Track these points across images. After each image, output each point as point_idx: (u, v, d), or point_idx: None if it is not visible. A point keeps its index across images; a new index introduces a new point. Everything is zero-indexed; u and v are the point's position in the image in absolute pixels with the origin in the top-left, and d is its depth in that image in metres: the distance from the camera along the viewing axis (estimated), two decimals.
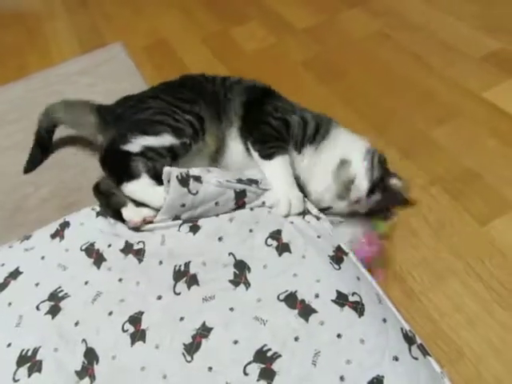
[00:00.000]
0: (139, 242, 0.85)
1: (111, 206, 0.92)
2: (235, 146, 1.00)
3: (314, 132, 0.96)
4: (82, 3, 2.08)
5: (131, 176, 0.90)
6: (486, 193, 0.97)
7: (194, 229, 0.83)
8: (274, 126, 0.96)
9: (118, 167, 0.92)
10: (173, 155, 0.94)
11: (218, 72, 1.23)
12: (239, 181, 0.87)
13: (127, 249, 0.84)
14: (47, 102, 1.47)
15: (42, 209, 1.12)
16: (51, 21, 1.98)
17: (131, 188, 0.89)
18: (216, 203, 0.85)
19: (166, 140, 0.94)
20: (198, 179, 0.85)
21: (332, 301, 0.70)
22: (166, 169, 0.85)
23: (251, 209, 0.87)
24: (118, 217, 0.90)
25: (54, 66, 1.65)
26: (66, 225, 0.91)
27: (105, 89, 1.48)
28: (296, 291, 0.72)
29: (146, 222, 0.87)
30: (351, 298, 0.71)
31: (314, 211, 0.88)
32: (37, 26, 1.96)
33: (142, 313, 0.74)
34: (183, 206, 0.85)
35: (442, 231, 0.92)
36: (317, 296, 0.71)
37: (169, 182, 0.84)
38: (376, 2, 1.66)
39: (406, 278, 0.85)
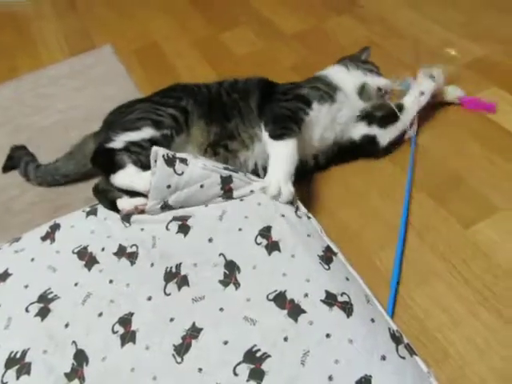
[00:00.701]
0: (132, 245, 0.85)
1: (108, 200, 0.96)
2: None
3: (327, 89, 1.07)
4: (72, 6, 2.08)
5: (117, 167, 0.94)
6: (470, 196, 1.00)
7: (185, 230, 0.84)
8: (288, 106, 1.00)
9: (105, 163, 0.97)
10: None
11: (208, 75, 1.25)
12: (226, 168, 0.90)
13: (121, 252, 0.84)
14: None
15: (29, 212, 1.11)
16: (41, 23, 1.98)
17: (119, 178, 0.94)
18: (201, 186, 0.87)
19: (146, 133, 0.98)
20: (183, 161, 0.88)
21: (321, 301, 0.72)
22: (154, 148, 0.88)
23: (241, 199, 0.87)
24: (115, 209, 0.94)
25: (43, 69, 1.65)
26: (56, 227, 0.92)
27: (94, 92, 1.49)
28: (285, 291, 0.73)
29: (137, 210, 0.91)
30: (340, 298, 0.72)
31: (303, 209, 0.89)
32: (26, 29, 1.95)
33: (132, 314, 0.74)
34: (169, 187, 0.87)
35: (426, 234, 0.94)
36: (306, 296, 0.72)
37: (155, 162, 0.87)
38: (364, 10, 1.70)
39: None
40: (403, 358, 0.69)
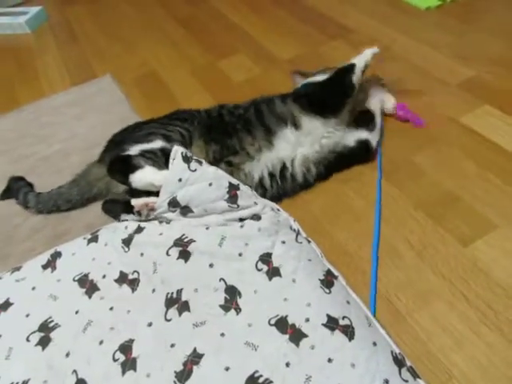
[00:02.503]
0: (134, 271, 0.85)
1: (121, 203, 1.03)
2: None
3: None
4: (73, 38, 2.13)
5: (135, 168, 1.00)
6: (467, 215, 1.01)
7: (185, 255, 0.85)
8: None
9: (122, 167, 1.02)
10: (166, 157, 1.02)
11: (206, 102, 1.28)
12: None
13: (122, 278, 0.85)
14: (37, 134, 1.51)
15: (31, 239, 1.12)
16: (42, 54, 2.03)
17: (137, 176, 0.99)
18: (210, 184, 0.92)
19: (157, 144, 1.06)
20: (199, 161, 0.96)
21: (323, 325, 0.72)
22: (175, 147, 0.97)
23: (241, 226, 0.88)
24: (128, 209, 0.99)
25: (45, 99, 1.68)
26: (57, 255, 0.92)
27: (95, 120, 1.52)
28: (287, 316, 0.73)
29: (148, 206, 0.96)
30: (341, 322, 0.72)
31: (304, 234, 0.90)
32: (28, 60, 2.00)
33: (132, 340, 0.74)
34: (180, 180, 0.93)
35: (425, 253, 0.94)
36: (307, 320, 0.72)
37: (174, 160, 0.95)
38: (356, 35, 1.74)
39: (393, 300, 0.87)
40: (406, 381, 0.69)
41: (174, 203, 0.94)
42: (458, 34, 1.65)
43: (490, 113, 1.28)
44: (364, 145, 1.15)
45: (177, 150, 0.96)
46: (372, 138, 1.16)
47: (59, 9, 2.47)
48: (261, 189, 1.05)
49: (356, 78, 1.15)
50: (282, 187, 1.07)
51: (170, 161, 0.96)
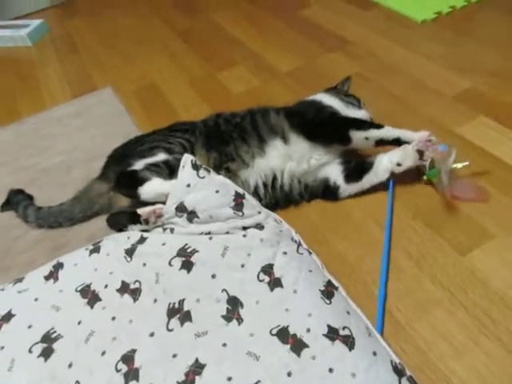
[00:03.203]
0: (136, 281, 0.86)
1: (127, 214, 1.03)
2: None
3: None
4: (74, 51, 2.16)
5: (143, 180, 1.03)
6: (465, 224, 1.02)
7: (188, 266, 0.85)
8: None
9: (130, 181, 1.05)
10: (169, 168, 1.07)
11: (206, 113, 1.29)
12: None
13: (123, 288, 0.86)
14: (38, 145, 1.52)
15: (32, 251, 1.13)
16: (43, 67, 2.05)
17: (146, 189, 1.01)
18: (217, 191, 0.95)
19: (160, 157, 1.09)
20: (207, 170, 1.00)
21: (323, 335, 0.72)
22: (185, 155, 1.01)
23: (244, 236, 0.90)
24: (135, 219, 1.00)
25: (46, 111, 1.70)
26: (59, 266, 0.93)
27: (96, 131, 1.54)
28: (288, 326, 0.74)
29: (155, 213, 0.98)
30: (342, 332, 0.73)
31: (305, 245, 0.92)
32: (29, 72, 2.02)
33: (134, 351, 0.74)
34: (188, 186, 0.96)
35: (423, 263, 0.96)
36: (308, 330, 0.73)
37: (183, 167, 0.99)
38: (354, 46, 1.77)
39: (392, 310, 0.88)
40: None
41: (181, 208, 0.96)
42: (454, 45, 1.68)
43: (486, 124, 1.30)
44: (332, 188, 1.12)
45: (187, 158, 1.00)
46: (344, 188, 1.11)
47: (60, 22, 2.50)
48: (256, 198, 1.07)
49: (363, 135, 1.08)
50: (273, 197, 1.10)
51: (180, 168, 1.00)
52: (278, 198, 1.10)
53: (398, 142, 1.07)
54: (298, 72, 1.68)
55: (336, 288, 0.81)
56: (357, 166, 1.10)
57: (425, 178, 1.08)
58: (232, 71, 1.76)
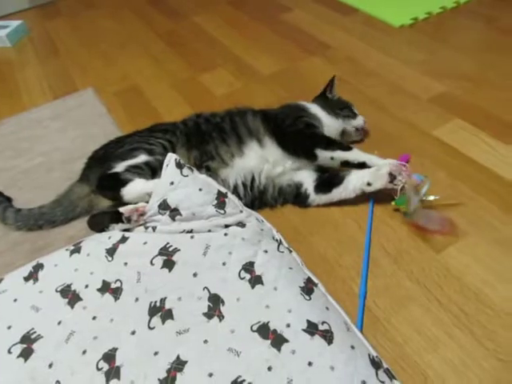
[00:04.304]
0: (116, 280, 0.86)
1: (109, 214, 1.02)
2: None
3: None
4: (54, 52, 2.14)
5: (125, 182, 1.03)
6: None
7: (169, 265, 0.86)
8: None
9: (112, 183, 1.05)
10: (151, 169, 1.08)
11: (188, 115, 1.30)
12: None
13: (104, 288, 0.86)
14: (17, 147, 1.50)
15: (12, 252, 1.11)
16: (24, 68, 2.02)
17: (129, 189, 1.01)
18: (200, 189, 0.97)
19: (142, 159, 1.09)
20: (191, 169, 1.01)
21: (303, 330, 0.74)
22: (169, 154, 1.02)
23: (225, 234, 0.91)
24: (117, 218, 0.99)
25: (25, 112, 1.68)
26: (39, 267, 0.92)
27: (76, 133, 1.53)
28: (268, 322, 0.75)
29: (138, 211, 0.98)
30: (321, 327, 0.75)
31: (285, 244, 0.93)
32: (8, 74, 1.99)
33: (115, 349, 0.75)
34: (172, 183, 0.97)
35: (401, 260, 0.98)
36: (288, 326, 0.74)
37: (167, 166, 1.00)
38: (333, 51, 1.81)
39: (370, 306, 0.90)
40: (383, 382, 0.71)
41: (164, 205, 0.96)
42: (430, 51, 1.73)
43: (461, 126, 1.35)
44: (302, 194, 1.12)
45: (171, 157, 1.01)
46: (313, 198, 1.11)
47: (40, 23, 2.47)
48: (237, 197, 1.08)
49: (329, 155, 1.09)
50: (252, 198, 1.12)
51: (164, 166, 1.01)
52: (257, 199, 1.12)
53: (363, 167, 1.09)
54: (280, 75, 1.71)
55: (315, 284, 0.83)
56: (329, 178, 1.11)
57: (393, 203, 1.06)
58: (214, 74, 1.77)
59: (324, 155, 1.10)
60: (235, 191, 1.10)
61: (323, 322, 0.75)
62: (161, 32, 2.17)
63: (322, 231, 1.08)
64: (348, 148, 1.10)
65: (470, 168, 1.19)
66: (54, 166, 1.39)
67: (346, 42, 1.86)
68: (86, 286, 0.86)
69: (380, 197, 1.10)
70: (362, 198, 1.10)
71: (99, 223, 1.01)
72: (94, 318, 0.80)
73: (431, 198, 1.04)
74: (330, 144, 1.11)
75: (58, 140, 1.52)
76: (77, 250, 0.94)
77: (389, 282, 0.95)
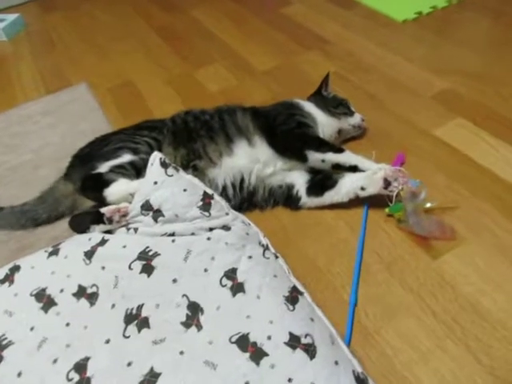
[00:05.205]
0: (93, 285, 0.82)
1: (90, 214, 0.98)
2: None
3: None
4: (50, 46, 2.10)
5: (108, 182, 0.99)
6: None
7: (149, 270, 0.82)
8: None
9: (95, 184, 1.01)
10: (135, 169, 1.04)
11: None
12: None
13: (80, 293, 0.82)
14: (7, 143, 1.47)
15: None
16: (18, 62, 1.99)
17: (112, 190, 0.98)
18: (184, 189, 0.92)
19: (126, 158, 1.05)
20: (176, 168, 0.97)
21: (284, 343, 0.70)
22: (154, 153, 0.98)
23: (208, 238, 0.86)
24: (99, 219, 0.95)
25: (17, 107, 1.65)
26: (15, 269, 0.89)
27: (67, 129, 1.49)
28: (248, 333, 0.71)
29: (120, 212, 0.93)
30: (303, 340, 0.70)
31: (272, 249, 0.89)
32: (1, 68, 1.96)
33: (88, 358, 0.71)
34: (155, 183, 0.93)
35: (394, 266, 0.94)
36: (269, 338, 0.70)
37: (152, 165, 0.96)
38: (332, 46, 1.75)
39: (360, 316, 0.85)
40: None
41: (146, 206, 0.93)
42: (433, 46, 1.67)
43: (462, 125, 1.29)
44: (294, 197, 1.08)
45: (156, 156, 0.97)
46: (305, 200, 1.07)
47: (37, 16, 2.44)
48: (225, 198, 1.04)
49: (320, 157, 1.05)
50: (241, 199, 1.07)
51: (149, 165, 0.97)
52: (246, 200, 1.08)
53: (355, 170, 1.04)
54: (276, 71, 1.66)
55: (301, 293, 0.79)
56: (322, 180, 1.07)
57: (387, 210, 1.01)
58: (209, 69, 1.73)
59: (314, 157, 1.06)
60: (224, 192, 1.06)
61: (306, 335, 0.71)
62: (157, 26, 2.13)
63: (313, 234, 1.04)
64: (340, 150, 1.06)
65: (470, 169, 1.14)
66: (43, 162, 1.36)
67: (345, 36, 1.80)
68: (62, 291, 0.82)
69: (375, 200, 1.04)
70: (357, 200, 1.05)
71: (80, 224, 0.98)
72: (68, 324, 0.77)
73: (428, 204, 0.99)
74: (321, 145, 1.06)
75: (47, 136, 1.48)
76: (55, 251, 0.90)
77: (381, 290, 0.90)
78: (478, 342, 0.79)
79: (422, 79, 1.49)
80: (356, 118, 1.23)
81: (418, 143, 1.24)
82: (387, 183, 0.97)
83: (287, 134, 1.09)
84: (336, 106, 1.23)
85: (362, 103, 1.38)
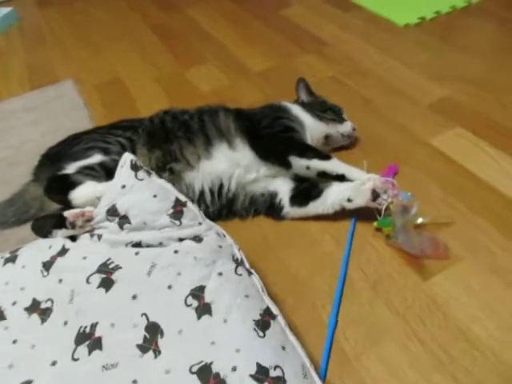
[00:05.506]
0: (48, 300, 0.75)
1: (53, 218, 0.91)
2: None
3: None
4: (42, 40, 2.05)
5: (75, 184, 0.93)
6: None
7: (107, 284, 0.74)
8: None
9: (61, 186, 0.94)
10: (106, 171, 0.96)
11: None
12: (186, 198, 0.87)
13: (33, 307, 0.74)
14: None
15: None
16: (6, 57, 1.94)
17: (78, 193, 0.91)
18: (154, 195, 0.84)
19: (95, 158, 0.99)
20: (148, 172, 0.88)
21: (250, 376, 0.61)
22: (125, 154, 0.89)
23: (176, 252, 0.79)
24: (61, 224, 0.87)
25: (1, 101, 1.59)
26: None
27: (48, 126, 1.44)
28: (212, 363, 0.63)
29: (84, 216, 0.86)
30: (272, 373, 0.62)
31: (246, 264, 0.81)
32: None
33: (30, 382, 0.64)
34: (123, 187, 0.85)
35: (380, 285, 0.86)
36: (234, 369, 0.62)
37: (122, 167, 0.88)
38: (330, 48, 1.68)
39: (339, 339, 0.78)
40: None
41: (112, 211, 0.85)
42: (435, 52, 1.60)
43: (461, 135, 1.22)
44: (276, 206, 1.01)
45: (127, 157, 0.89)
46: (287, 210, 1.00)
47: (33, 10, 2.39)
48: (203, 204, 0.99)
49: (304, 164, 0.98)
50: (220, 206, 1.01)
51: (118, 168, 0.89)
52: (225, 207, 1.01)
53: (342, 179, 0.97)
54: (270, 73, 1.59)
55: (274, 317, 0.71)
56: (307, 189, 1.00)
57: (375, 224, 0.93)
58: (201, 69, 1.66)
59: (299, 163, 0.99)
60: (201, 198, 0.99)
61: (276, 367, 0.63)
62: (153, 24, 2.07)
63: (295, 246, 0.96)
64: (326, 157, 0.99)
65: (468, 182, 1.07)
66: (21, 160, 1.29)
67: (344, 39, 1.73)
68: (14, 303, 0.75)
69: (363, 213, 0.97)
70: (344, 212, 0.98)
71: (43, 228, 0.91)
72: (15, 341, 0.70)
73: (420, 220, 0.92)
74: (306, 151, 0.99)
75: (29, 132, 1.43)
76: (12, 258, 0.83)
77: (364, 310, 0.83)
78: (469, 376, 0.71)
79: (420, 86, 1.42)
80: (346, 127, 1.15)
81: (412, 152, 1.16)
82: (375, 195, 0.89)
83: (271, 137, 1.02)
84: (324, 111, 1.16)
85: (357, 108, 1.32)
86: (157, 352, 0.65)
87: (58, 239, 0.86)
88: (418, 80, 1.45)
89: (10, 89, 1.69)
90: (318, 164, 0.97)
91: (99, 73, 1.72)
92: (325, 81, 1.49)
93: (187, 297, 0.71)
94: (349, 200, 0.92)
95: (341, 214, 0.98)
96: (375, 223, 0.93)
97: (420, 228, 0.93)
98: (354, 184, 0.93)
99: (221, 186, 1.00)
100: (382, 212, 0.90)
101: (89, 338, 0.68)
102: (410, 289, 0.85)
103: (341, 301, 0.84)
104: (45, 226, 0.90)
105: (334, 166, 0.97)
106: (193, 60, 1.72)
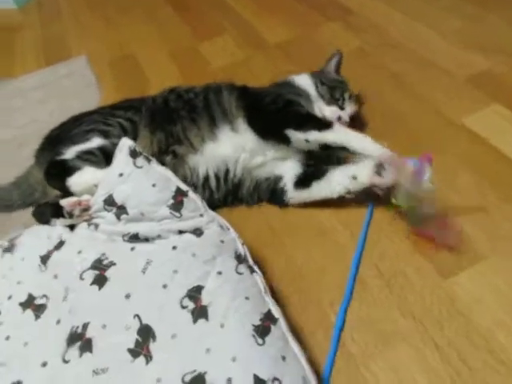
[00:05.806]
0: (43, 296, 0.73)
1: (51, 206, 0.90)
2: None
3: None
4: (58, 15, 2.01)
5: (73, 170, 0.89)
6: None
7: (101, 281, 0.71)
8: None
9: (59, 172, 0.91)
10: (105, 155, 0.92)
11: None
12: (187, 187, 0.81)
13: (28, 303, 0.72)
14: None
15: None
16: (23, 32, 1.92)
17: (76, 180, 0.88)
18: (153, 185, 0.79)
19: (95, 143, 0.95)
20: (147, 158, 0.83)
21: None
22: (123, 139, 0.85)
23: (174, 248, 0.75)
24: (59, 213, 0.87)
25: (14, 80, 1.57)
26: None
27: (56, 105, 1.42)
28: (205, 372, 0.58)
29: (81, 205, 0.84)
30: None
31: (250, 261, 0.76)
32: (6, 37, 1.89)
33: (19, 383, 0.62)
34: (121, 175, 0.81)
35: (395, 283, 0.79)
36: (229, 381, 0.57)
37: (120, 153, 0.84)
38: (356, 17, 1.55)
39: (346, 341, 0.72)
40: None
41: (109, 201, 0.81)
42: (475, 19, 1.43)
43: (499, 113, 1.09)
44: (279, 190, 0.95)
45: (124, 143, 0.84)
46: (292, 194, 0.94)
47: None
48: (207, 190, 0.94)
49: (302, 137, 0.90)
50: (225, 192, 0.96)
51: (116, 152, 0.85)
52: (230, 193, 0.96)
53: (348, 151, 0.87)
54: (289, 44, 1.49)
55: (275, 321, 0.65)
56: (312, 172, 0.92)
57: (394, 201, 0.82)
58: (217, 42, 1.58)
59: (296, 137, 0.90)
60: (206, 183, 0.95)
61: (274, 379, 0.58)
62: None
63: (303, 237, 0.91)
64: (327, 126, 0.88)
65: (502, 168, 0.96)
66: (28, 140, 1.26)
67: (371, 7, 1.59)
68: (9, 298, 0.73)
69: (381, 201, 0.89)
70: (360, 200, 0.90)
71: (43, 215, 0.89)
72: (8, 337, 0.68)
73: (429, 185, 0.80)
74: (304, 123, 0.89)
75: (37, 112, 1.41)
76: (10, 248, 0.81)
77: (375, 311, 0.76)
78: None
79: (457, 58, 1.28)
80: (327, 111, 1.01)
81: (441, 132, 1.06)
82: (380, 168, 0.81)
83: (268, 113, 0.94)
84: (324, 83, 1.05)
85: (383, 82, 1.22)
86: (148, 357, 0.62)
87: (57, 228, 0.84)
88: (453, 51, 1.31)
89: (24, 65, 1.66)
90: (317, 136, 0.88)
91: (113, 48, 1.68)
92: (350, 52, 1.37)
93: (183, 298, 0.67)
94: (354, 177, 0.84)
95: (356, 203, 0.91)
96: (393, 200, 0.83)
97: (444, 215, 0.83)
98: (360, 162, 0.85)
99: (227, 171, 0.94)
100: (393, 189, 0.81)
101: (80, 339, 0.65)
102: (428, 288, 0.78)
103: (351, 298, 0.78)
104: (45, 212, 0.88)
105: (335, 135, 0.87)
106: (208, 32, 1.64)
